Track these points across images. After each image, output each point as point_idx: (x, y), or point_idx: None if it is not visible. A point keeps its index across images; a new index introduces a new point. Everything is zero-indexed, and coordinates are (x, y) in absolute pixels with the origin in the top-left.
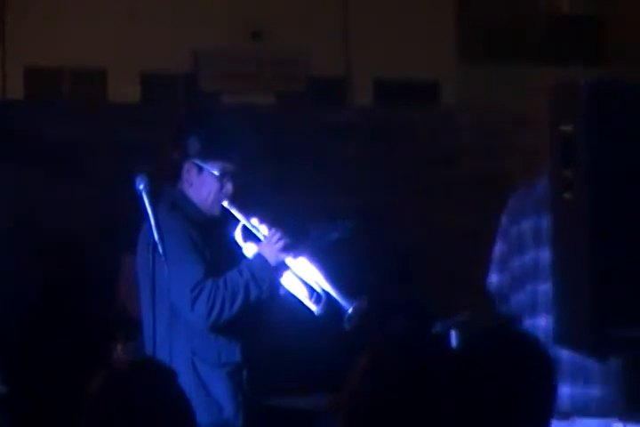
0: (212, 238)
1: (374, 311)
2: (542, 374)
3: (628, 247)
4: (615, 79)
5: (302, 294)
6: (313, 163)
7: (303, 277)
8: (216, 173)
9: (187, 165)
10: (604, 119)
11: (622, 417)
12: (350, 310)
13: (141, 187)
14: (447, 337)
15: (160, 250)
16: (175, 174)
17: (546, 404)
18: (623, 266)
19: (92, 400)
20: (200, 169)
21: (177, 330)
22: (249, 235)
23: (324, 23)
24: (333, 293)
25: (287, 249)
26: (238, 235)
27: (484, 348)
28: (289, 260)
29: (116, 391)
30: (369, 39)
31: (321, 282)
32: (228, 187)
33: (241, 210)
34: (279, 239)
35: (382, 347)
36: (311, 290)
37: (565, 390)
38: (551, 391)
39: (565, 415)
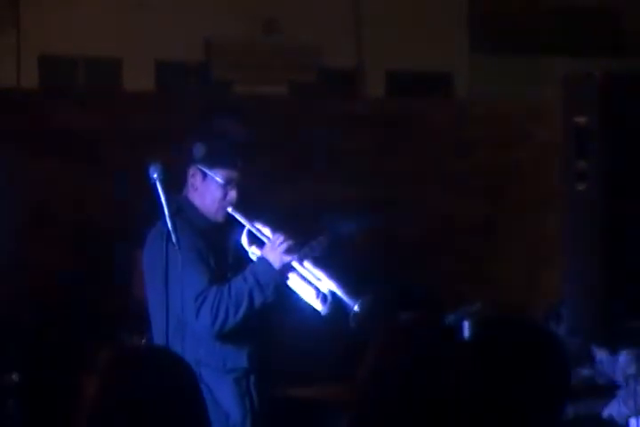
0: (216, 244)
1: (385, 303)
2: (555, 361)
3: None
4: (630, 71)
5: (308, 295)
6: (326, 154)
7: (308, 278)
8: (220, 180)
9: (192, 170)
10: (619, 110)
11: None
12: (355, 308)
13: (155, 175)
14: (459, 328)
15: (173, 239)
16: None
17: (560, 389)
18: (637, 257)
19: (101, 382)
20: (205, 175)
21: (183, 336)
22: (254, 239)
23: (336, 14)
24: (338, 291)
25: (291, 251)
26: (244, 239)
27: (496, 337)
28: (293, 262)
29: (125, 374)
30: (381, 30)
31: (326, 281)
32: (232, 194)
33: (245, 215)
34: (282, 242)
35: (393, 337)
36: (317, 290)
37: None
38: (564, 377)
39: None
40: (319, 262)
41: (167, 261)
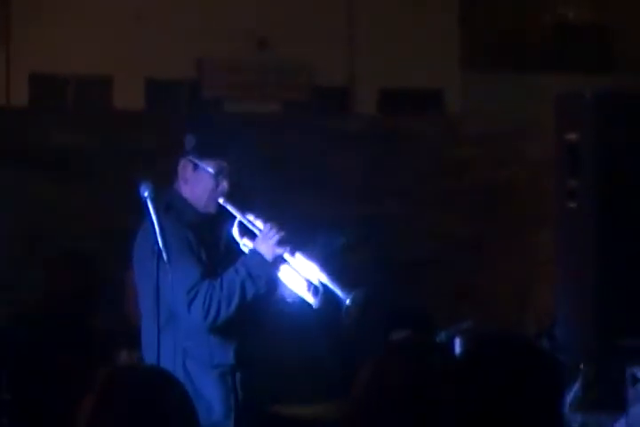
0: (207, 237)
1: (374, 309)
2: (549, 379)
3: (632, 257)
4: (620, 89)
5: (300, 287)
6: (317, 171)
7: (300, 271)
8: (211, 170)
9: (182, 162)
10: (609, 128)
11: None
12: (348, 301)
13: (146, 194)
14: (451, 345)
15: (164, 258)
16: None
17: (553, 408)
18: (628, 276)
19: (97, 401)
20: (195, 166)
21: (172, 330)
22: (245, 231)
23: (328, 32)
24: (330, 284)
25: (283, 243)
26: (235, 231)
27: (488, 354)
28: (286, 254)
29: (119, 393)
30: (373, 48)
31: (318, 274)
32: (224, 184)
33: (237, 207)
34: (275, 234)
35: (386, 357)
36: (309, 283)
37: None
38: (558, 396)
39: None
40: (311, 255)
41: (158, 279)
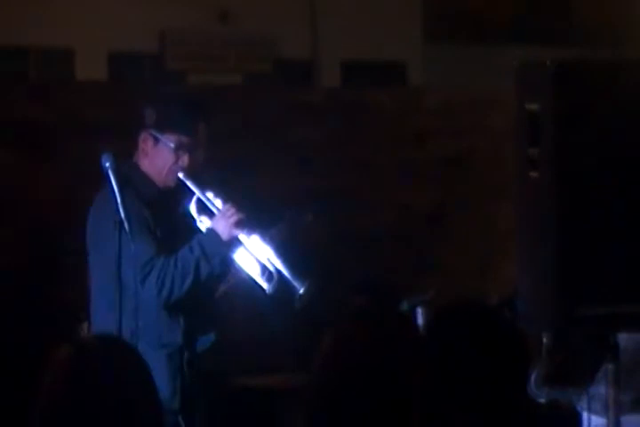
0: (164, 213)
1: (334, 290)
2: (512, 348)
3: (592, 227)
4: (580, 59)
5: (254, 272)
6: (281, 144)
7: (256, 255)
8: (172, 144)
9: (143, 135)
10: (570, 98)
11: None
12: (301, 290)
13: (107, 165)
14: (414, 315)
15: (126, 228)
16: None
17: (517, 376)
18: (588, 246)
19: (55, 373)
20: (156, 140)
21: (122, 307)
22: (203, 208)
23: (291, 5)
24: (285, 271)
25: (240, 224)
26: (193, 208)
27: (450, 323)
28: (242, 236)
29: (78, 364)
30: (336, 21)
31: (273, 260)
32: (184, 159)
33: (196, 183)
34: (233, 214)
35: (346, 324)
36: (263, 268)
37: None
38: (522, 365)
39: None
40: (268, 241)
41: (120, 250)
